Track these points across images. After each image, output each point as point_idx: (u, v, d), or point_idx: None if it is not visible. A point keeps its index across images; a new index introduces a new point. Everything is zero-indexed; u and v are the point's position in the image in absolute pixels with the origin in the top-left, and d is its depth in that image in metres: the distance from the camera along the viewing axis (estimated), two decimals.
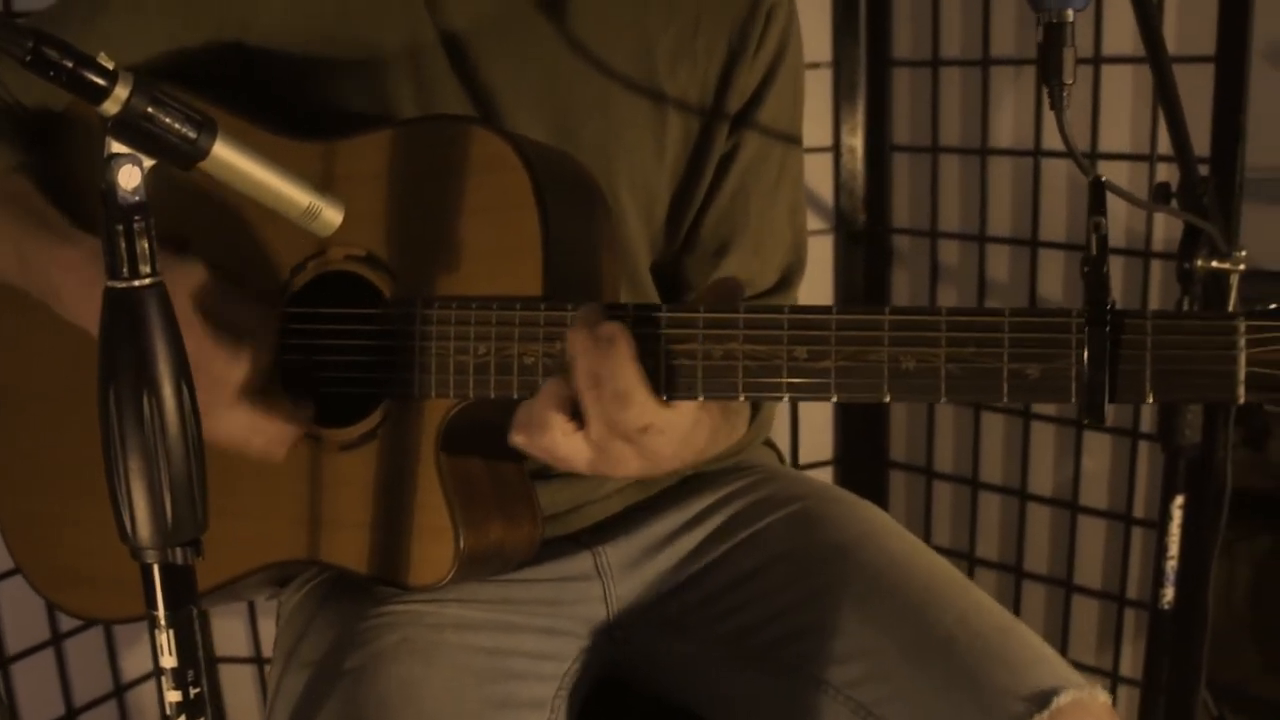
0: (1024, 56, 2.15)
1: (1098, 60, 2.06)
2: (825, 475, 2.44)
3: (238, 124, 1.23)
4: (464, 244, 1.13)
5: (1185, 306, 1.53)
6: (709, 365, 1.02)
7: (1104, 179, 0.94)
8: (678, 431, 1.05)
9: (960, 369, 0.96)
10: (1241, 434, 2.74)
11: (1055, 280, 2.20)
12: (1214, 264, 1.53)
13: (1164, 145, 2.02)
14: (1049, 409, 2.26)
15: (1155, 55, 1.39)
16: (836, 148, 2.32)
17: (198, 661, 0.90)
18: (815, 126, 2.29)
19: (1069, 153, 1.15)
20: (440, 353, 1.12)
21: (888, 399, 0.99)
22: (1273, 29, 3.44)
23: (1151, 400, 0.92)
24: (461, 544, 1.13)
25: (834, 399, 1.01)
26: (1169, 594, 1.72)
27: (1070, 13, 1.11)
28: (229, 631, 2.23)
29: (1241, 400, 0.89)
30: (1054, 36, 1.12)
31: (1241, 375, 0.89)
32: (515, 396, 1.09)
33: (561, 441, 1.04)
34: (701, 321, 1.02)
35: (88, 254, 1.15)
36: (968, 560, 2.40)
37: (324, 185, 1.14)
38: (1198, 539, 2.03)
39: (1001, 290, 2.27)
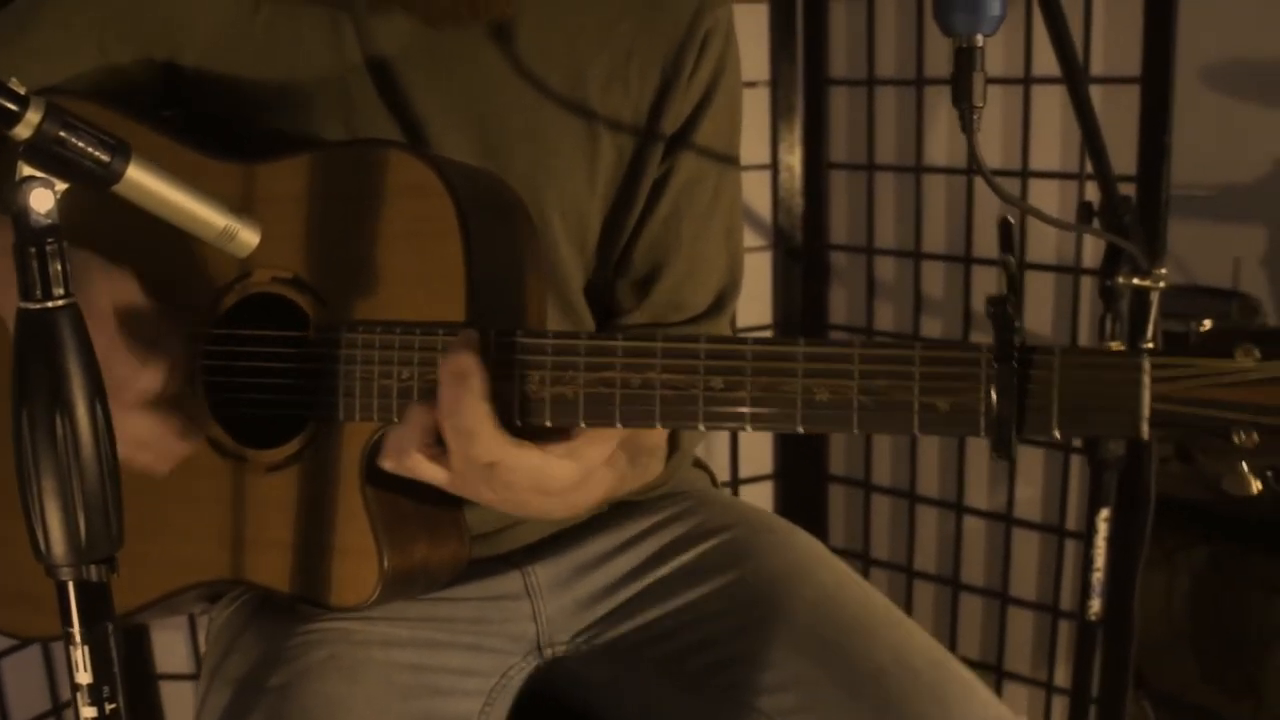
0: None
1: (1028, 80, 2.09)
2: (766, 490, 2.47)
3: (163, 142, 1.24)
4: (389, 268, 1.14)
5: (1109, 323, 1.56)
6: (626, 394, 1.04)
7: (1010, 218, 0.95)
8: (527, 472, 1.06)
9: (872, 401, 0.97)
10: (1174, 448, 2.78)
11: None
12: (1135, 281, 1.56)
13: (1089, 163, 2.06)
14: None
15: (1071, 78, 1.43)
16: (774, 166, 2.34)
17: (113, 678, 0.91)
18: (753, 145, 2.32)
19: (980, 171, 1.17)
20: (365, 377, 1.13)
21: (801, 430, 1.00)
22: (1207, 51, 3.52)
23: (1058, 435, 0.94)
24: (385, 565, 1.14)
25: (748, 429, 1.02)
26: (1096, 605, 1.75)
27: (980, 37, 1.13)
28: (170, 648, 2.22)
29: (1145, 436, 0.90)
30: (964, 60, 1.14)
31: (1145, 412, 0.90)
32: None
33: (424, 466, 1.07)
34: (620, 350, 1.04)
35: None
36: (906, 573, 2.43)
37: (251, 207, 1.16)
38: (1126, 551, 2.07)
39: (937, 306, 2.30)
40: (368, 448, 1.14)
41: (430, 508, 1.21)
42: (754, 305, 2.38)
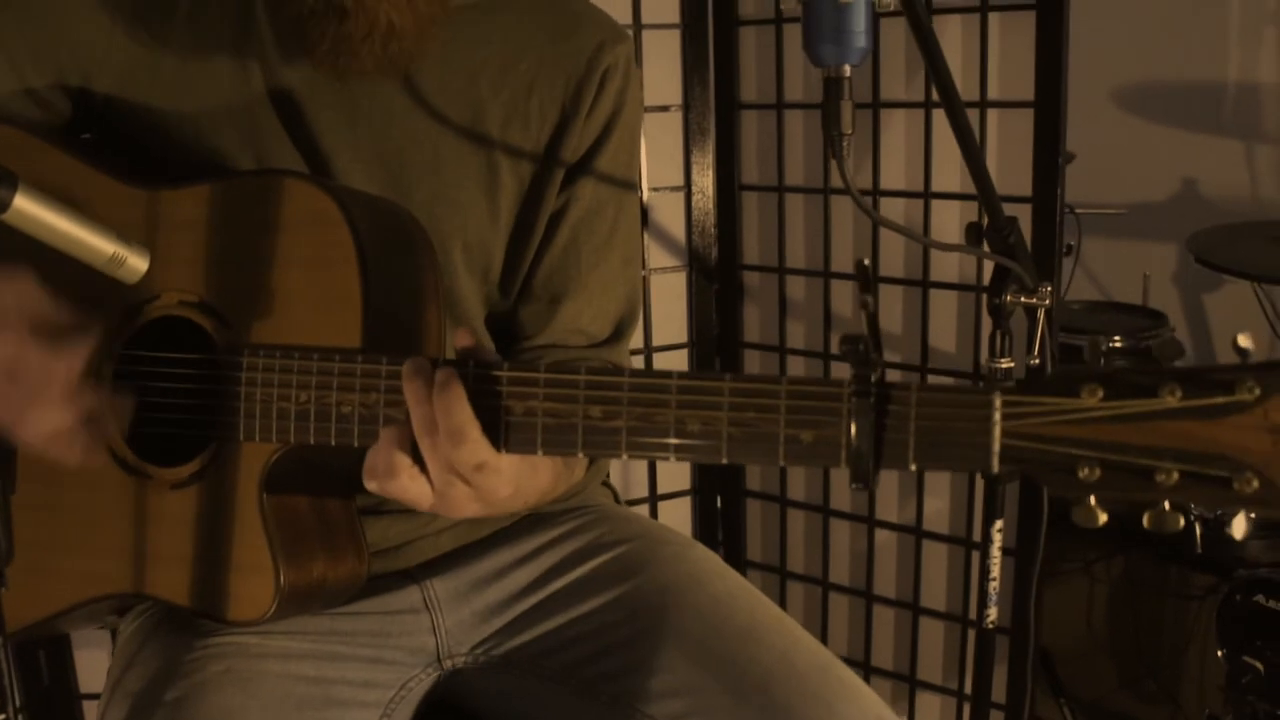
0: (861, 100, 2.24)
1: (928, 105, 2.16)
2: (684, 506, 2.51)
3: (72, 164, 1.28)
4: (290, 294, 1.18)
5: (999, 340, 1.62)
6: (508, 421, 1.07)
7: (865, 261, 1.00)
8: (511, 471, 1.10)
9: (741, 432, 1.01)
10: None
11: (895, 314, 2.30)
12: (1023, 300, 1.61)
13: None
14: None
15: (949, 104, 1.48)
16: (688, 188, 2.39)
17: (4, 690, 0.94)
18: (667, 168, 2.38)
19: (850, 193, 1.23)
20: (264, 399, 1.17)
21: (673, 459, 1.04)
22: (1126, 74, 3.61)
23: (914, 468, 0.97)
24: (282, 582, 1.17)
25: (624, 457, 1.06)
26: (993, 614, 1.80)
27: (847, 68, 1.19)
28: (94, 666, 2.23)
29: (996, 471, 0.94)
30: (833, 90, 1.20)
31: (995, 447, 0.93)
32: (332, 443, 1.14)
33: (409, 485, 1.09)
34: (505, 379, 1.08)
35: None
36: (821, 586, 2.48)
37: (159, 232, 1.21)
38: (1024, 561, 2.14)
39: (845, 323, 2.35)
40: (267, 467, 1.18)
41: (328, 526, 1.25)
42: (670, 324, 2.43)
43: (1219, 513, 2.27)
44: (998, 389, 0.94)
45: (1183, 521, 0.91)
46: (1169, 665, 2.79)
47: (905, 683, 2.42)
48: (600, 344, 1.48)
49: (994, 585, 1.80)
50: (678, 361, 2.44)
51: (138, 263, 1.01)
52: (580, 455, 1.09)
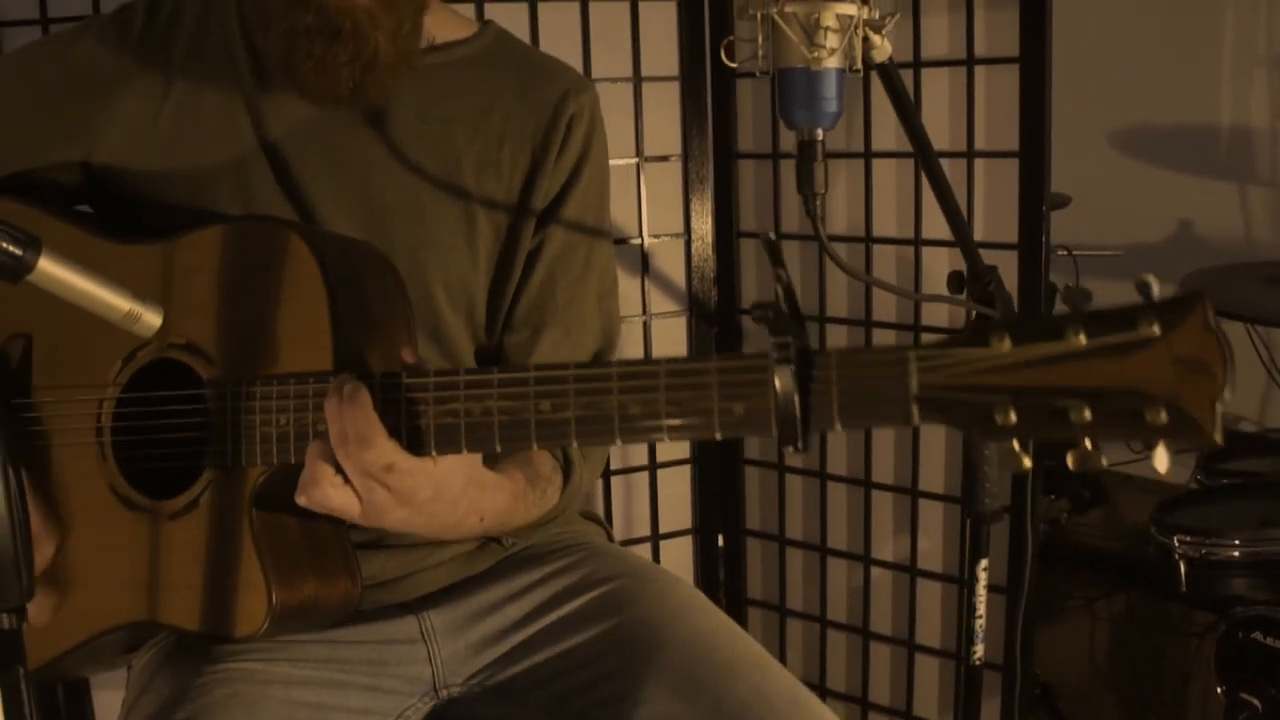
0: (853, 150, 2.31)
1: (919, 155, 2.22)
2: (685, 545, 2.57)
3: (73, 232, 1.38)
4: (269, 330, 1.26)
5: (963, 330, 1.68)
6: (470, 422, 1.13)
7: (766, 235, 1.05)
8: (426, 474, 1.15)
9: (677, 410, 1.06)
10: (1069, 502, 2.90)
11: None
12: None
13: (977, 234, 2.19)
14: (886, 480, 2.41)
15: (927, 161, 1.56)
16: (688, 234, 2.47)
17: None
18: (667, 214, 2.45)
19: (827, 250, 1.30)
20: (248, 425, 1.23)
21: (619, 442, 1.10)
22: (1120, 118, 3.67)
23: (839, 428, 1.00)
24: (274, 598, 1.23)
25: (574, 444, 1.12)
26: (980, 650, 1.85)
27: (820, 131, 1.26)
28: (111, 706, 2.28)
29: (916, 422, 0.97)
30: (806, 151, 1.26)
31: (914, 399, 0.96)
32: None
33: (333, 494, 1.14)
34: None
35: None
36: (820, 623, 2.53)
37: (150, 282, 1.28)
38: (1012, 598, 2.19)
39: None
40: (255, 489, 1.25)
41: (319, 548, 1.31)
42: None
43: (1203, 552, 2.32)
44: (911, 347, 0.97)
45: (1105, 462, 0.93)
46: (1170, 701, 2.83)
47: (902, 718, 2.47)
48: None
49: (980, 623, 1.86)
50: None
51: (152, 318, 1.08)
52: (499, 449, 1.13)
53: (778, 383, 1.00)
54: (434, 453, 1.14)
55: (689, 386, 1.05)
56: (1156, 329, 0.89)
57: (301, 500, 1.15)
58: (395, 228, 1.43)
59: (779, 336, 0.99)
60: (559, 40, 2.26)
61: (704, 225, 2.48)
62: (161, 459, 1.31)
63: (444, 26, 1.48)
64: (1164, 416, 0.89)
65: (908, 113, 1.47)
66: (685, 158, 2.44)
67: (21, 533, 0.99)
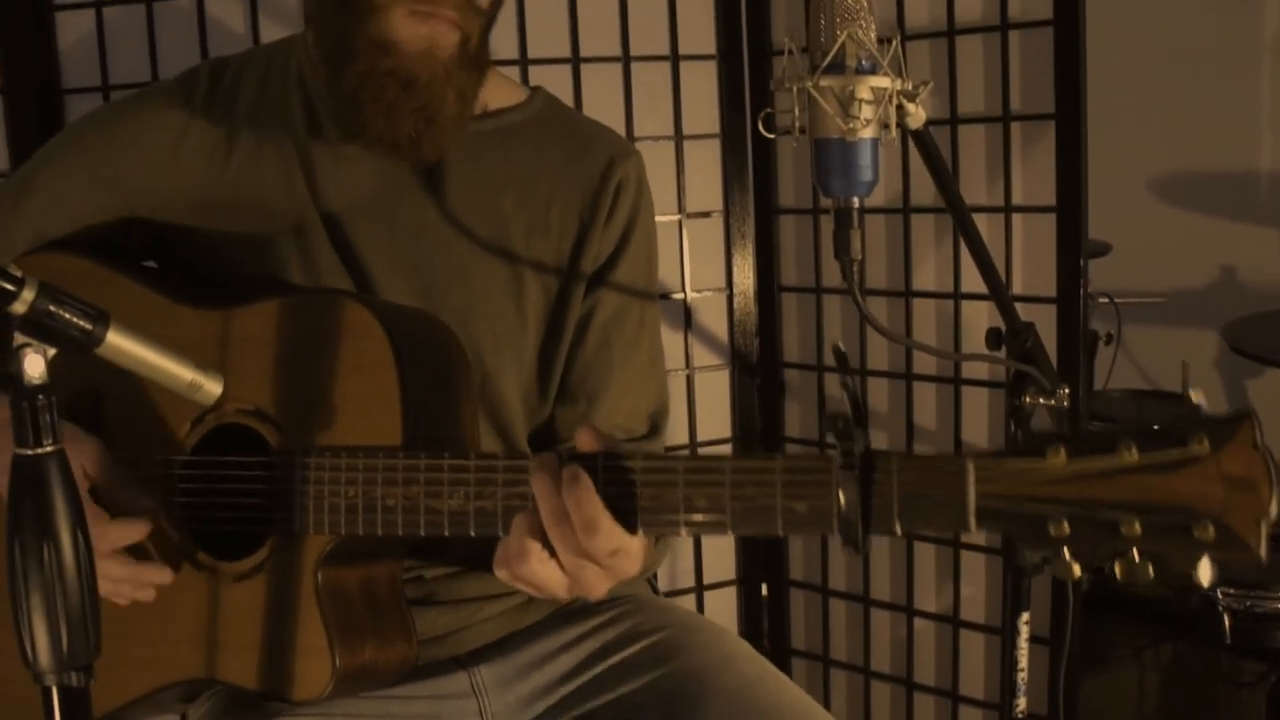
0: (892, 207, 2.35)
1: (955, 210, 2.25)
2: (730, 595, 2.59)
3: (141, 292, 1.42)
4: (336, 400, 1.30)
5: (1019, 440, 1.70)
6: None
7: (836, 346, 1.08)
8: (637, 551, 1.17)
9: (742, 506, 1.10)
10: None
11: (929, 410, 2.38)
12: (1040, 401, 1.69)
13: (1017, 286, 2.22)
14: (928, 530, 2.42)
15: (960, 218, 1.58)
16: (729, 289, 2.51)
17: None
18: (709, 270, 2.49)
19: (865, 315, 1.33)
20: (317, 495, 1.27)
21: (683, 534, 1.14)
22: (1161, 165, 3.69)
23: (899, 532, 1.05)
24: (337, 664, 1.27)
25: (639, 532, 1.14)
26: (1022, 703, 1.86)
27: (855, 200, 1.29)
28: None
29: (973, 530, 1.02)
30: (843, 219, 1.30)
31: (972, 508, 1.00)
32: (379, 533, 1.25)
33: (539, 569, 1.16)
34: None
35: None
36: (863, 674, 2.55)
37: (217, 348, 1.33)
38: (1056, 650, 2.19)
39: (882, 420, 2.44)
40: (321, 557, 1.29)
41: (379, 611, 1.35)
42: (714, 420, 2.53)
43: (1248, 604, 2.32)
44: (970, 455, 1.01)
45: (1153, 571, 0.96)
46: None
47: None
48: (639, 438, 1.57)
49: (1022, 675, 1.87)
50: None
51: (213, 387, 1.12)
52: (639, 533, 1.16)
53: (841, 486, 1.03)
54: (641, 532, 1.15)
55: (754, 483, 1.08)
56: (1206, 447, 0.92)
57: (503, 574, 1.18)
58: (446, 292, 1.46)
59: (844, 442, 1.03)
60: (602, 100, 2.32)
61: (746, 280, 2.52)
62: (227, 521, 1.35)
63: (496, 93, 1.52)
64: (1211, 533, 0.93)
65: (943, 177, 1.50)
66: (727, 214, 2.49)
67: (90, 594, 1.03)
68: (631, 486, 1.13)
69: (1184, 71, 3.64)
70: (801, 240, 2.50)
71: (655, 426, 1.59)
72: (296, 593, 1.29)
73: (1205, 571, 0.94)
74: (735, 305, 2.52)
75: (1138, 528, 0.94)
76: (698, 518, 1.12)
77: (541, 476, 1.14)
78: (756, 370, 2.54)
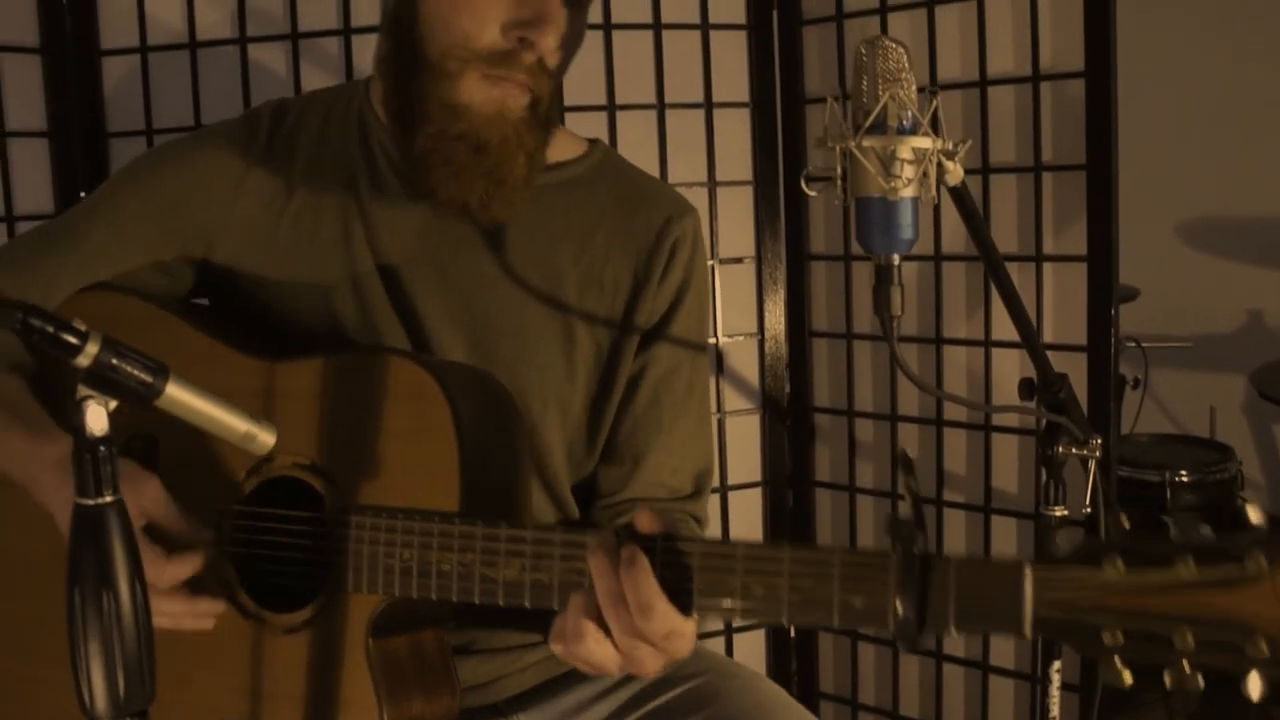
0: (924, 254, 2.36)
1: (986, 258, 2.27)
2: (758, 638, 2.60)
3: (198, 337, 1.43)
4: (392, 461, 1.31)
5: (1052, 489, 1.71)
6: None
7: (903, 452, 1.09)
8: (691, 632, 1.18)
9: (799, 598, 1.10)
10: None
11: (959, 457, 2.40)
12: (1074, 451, 1.70)
13: (1047, 334, 2.24)
14: None
15: (995, 271, 1.60)
16: (761, 334, 2.53)
17: None
18: (741, 315, 2.51)
19: (901, 366, 1.35)
20: (371, 555, 1.28)
21: (739, 620, 1.14)
22: (1189, 210, 3.71)
23: (954, 632, 1.05)
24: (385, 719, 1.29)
25: (694, 615, 1.15)
26: None
27: (896, 257, 1.31)
28: None
29: (1028, 637, 1.02)
30: (884, 276, 1.31)
31: (1028, 616, 1.01)
32: (433, 597, 1.26)
33: (594, 649, 1.17)
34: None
35: (61, 452, 1.27)
36: (892, 718, 2.55)
37: (275, 400, 1.35)
38: (1087, 697, 2.20)
39: (913, 464, 2.44)
40: (373, 616, 1.30)
41: (425, 666, 1.36)
42: (744, 464, 2.54)
43: None
44: (1028, 562, 1.02)
45: (1202, 682, 0.99)
46: None
47: None
48: (683, 498, 1.58)
49: None
50: (752, 500, 2.55)
51: (267, 438, 1.14)
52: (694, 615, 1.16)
53: (898, 585, 1.05)
54: (695, 615, 1.16)
55: (812, 575, 1.10)
56: (1263, 565, 0.94)
57: (558, 649, 1.19)
58: (498, 345, 1.48)
59: (904, 542, 1.04)
60: (636, 146, 2.34)
61: (777, 325, 2.54)
62: (278, 573, 1.36)
63: (556, 145, 1.51)
64: (1265, 650, 0.94)
65: (978, 230, 1.52)
66: (759, 259, 2.51)
67: (146, 641, 1.06)
68: (688, 570, 1.14)
69: (1212, 118, 3.67)
70: (833, 286, 2.52)
71: (699, 487, 1.59)
72: (346, 649, 1.30)
73: (1255, 686, 0.95)
74: (766, 350, 2.54)
75: (1190, 641, 0.95)
76: (753, 606, 1.12)
77: (599, 557, 1.15)
78: (787, 414, 2.56)
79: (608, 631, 1.15)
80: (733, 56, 2.46)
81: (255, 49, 2.31)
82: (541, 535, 1.21)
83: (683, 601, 1.14)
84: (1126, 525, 1.13)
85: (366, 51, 2.26)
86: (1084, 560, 1.00)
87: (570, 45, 1.40)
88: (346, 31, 2.29)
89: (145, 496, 1.31)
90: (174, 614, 1.32)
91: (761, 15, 2.45)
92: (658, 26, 2.39)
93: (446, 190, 1.38)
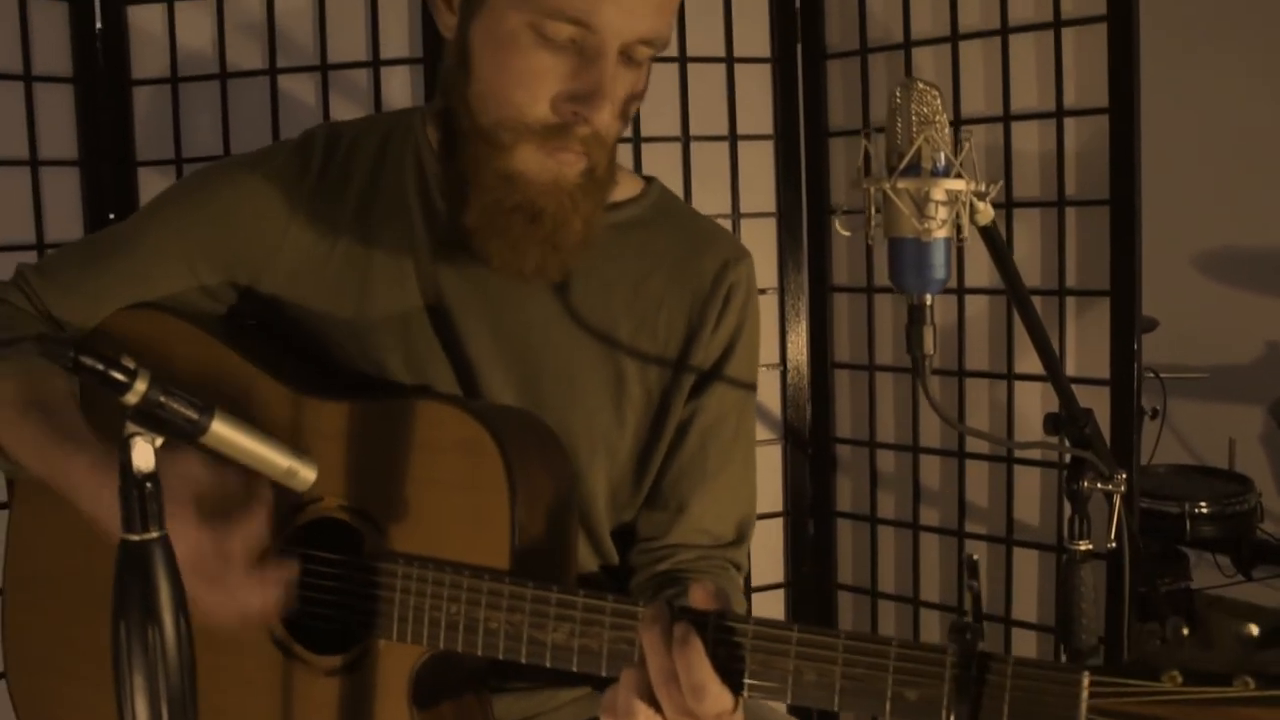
0: (947, 287, 2.37)
1: (1008, 292, 2.28)
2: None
3: (247, 369, 1.41)
4: (442, 512, 1.30)
5: (1077, 524, 1.71)
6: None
7: (969, 556, 1.08)
8: (740, 710, 1.16)
9: (852, 685, 1.09)
10: (1160, 628, 2.90)
11: (982, 488, 2.40)
12: (1099, 486, 1.70)
13: (1069, 368, 2.24)
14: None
15: (1023, 307, 1.61)
16: (783, 365, 2.54)
17: None
18: (764, 346, 2.45)
19: (930, 401, 1.36)
20: (417, 607, 1.27)
21: (789, 702, 1.12)
22: (1206, 240, 3.71)
23: None
24: None
25: (745, 695, 1.14)
26: None
27: (929, 296, 1.32)
28: None
29: None
30: (916, 315, 1.32)
31: None
32: (478, 654, 1.25)
33: None
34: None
35: (100, 463, 1.28)
36: None
37: (324, 440, 1.34)
38: None
39: (933, 496, 2.46)
40: (415, 667, 1.29)
41: (464, 713, 1.35)
42: (765, 494, 2.52)
43: None
44: (1086, 668, 1.02)
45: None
46: None
47: None
48: (724, 545, 1.55)
49: None
50: (773, 529, 2.56)
51: (308, 474, 1.15)
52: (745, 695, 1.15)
53: (953, 681, 1.05)
54: (746, 694, 1.15)
55: (866, 664, 1.09)
56: None
57: None
58: (547, 389, 1.45)
59: (962, 640, 1.04)
60: (661, 178, 2.33)
61: (799, 355, 2.55)
62: (317, 615, 1.35)
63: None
64: None
65: (1007, 268, 1.53)
66: (781, 291, 2.52)
67: (189, 674, 1.07)
68: (741, 650, 1.13)
69: (1230, 149, 3.67)
70: (855, 317, 2.54)
71: (741, 534, 1.57)
72: (387, 696, 1.30)
73: None
74: (789, 380, 2.55)
75: None
76: (804, 689, 1.11)
77: (654, 633, 1.14)
78: (808, 444, 2.57)
79: (658, 708, 1.14)
80: (757, 89, 2.48)
81: (285, 79, 2.34)
82: (592, 602, 1.20)
83: (733, 681, 1.13)
84: (1185, 632, 1.14)
85: (395, 83, 2.30)
86: (1142, 672, 1.00)
87: (632, 103, 1.36)
88: (376, 63, 2.31)
89: (182, 474, 1.23)
90: (254, 598, 1.26)
91: (786, 49, 2.48)
92: (683, 60, 2.41)
93: (501, 260, 1.35)
